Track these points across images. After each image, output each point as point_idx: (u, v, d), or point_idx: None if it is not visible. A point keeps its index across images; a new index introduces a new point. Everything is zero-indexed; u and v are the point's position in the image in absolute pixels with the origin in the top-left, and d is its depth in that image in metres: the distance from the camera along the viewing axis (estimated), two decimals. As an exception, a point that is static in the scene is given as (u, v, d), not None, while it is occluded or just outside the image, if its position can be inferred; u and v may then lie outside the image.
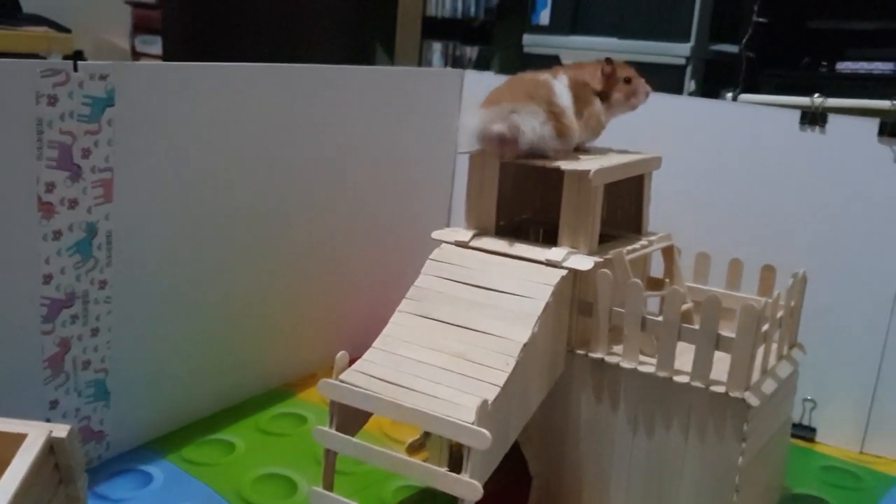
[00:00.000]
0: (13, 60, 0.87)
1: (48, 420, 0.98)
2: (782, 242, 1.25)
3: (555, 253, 0.97)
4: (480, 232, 1.04)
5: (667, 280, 1.09)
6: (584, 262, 0.95)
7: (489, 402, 0.84)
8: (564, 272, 0.95)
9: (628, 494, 0.98)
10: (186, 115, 1.06)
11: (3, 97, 0.87)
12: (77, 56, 2.09)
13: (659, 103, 1.33)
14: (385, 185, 1.40)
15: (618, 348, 0.97)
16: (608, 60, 1.08)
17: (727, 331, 1.02)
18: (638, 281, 0.94)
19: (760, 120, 1.28)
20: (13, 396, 0.93)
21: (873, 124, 1.21)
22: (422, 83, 1.42)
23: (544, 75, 1.05)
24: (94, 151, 0.95)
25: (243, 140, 1.15)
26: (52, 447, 0.80)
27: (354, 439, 0.92)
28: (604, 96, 1.07)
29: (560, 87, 1.04)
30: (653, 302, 1.11)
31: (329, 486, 0.94)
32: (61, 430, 0.80)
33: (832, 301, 1.23)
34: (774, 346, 0.98)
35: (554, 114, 1.01)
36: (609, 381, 0.97)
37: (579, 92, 1.05)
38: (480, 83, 1.46)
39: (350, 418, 0.94)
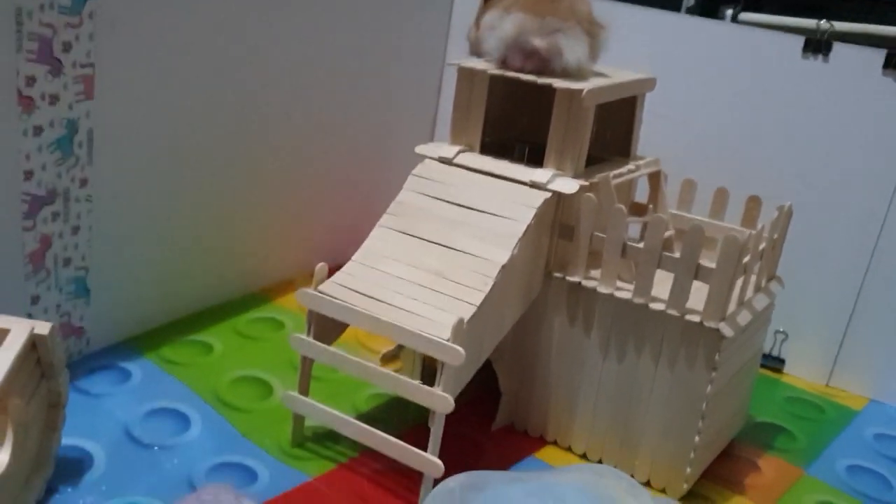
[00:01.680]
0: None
1: (30, 315, 0.98)
2: (772, 173, 1.25)
3: (540, 174, 0.96)
4: (465, 148, 1.03)
5: (651, 206, 1.09)
6: (568, 185, 0.95)
7: (465, 321, 0.85)
8: (548, 194, 0.95)
9: (594, 416, 1.01)
10: (169, 14, 1.03)
11: (-21, -16, 0.84)
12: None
13: (654, 20, 1.32)
14: (369, 95, 1.38)
15: (595, 272, 0.97)
16: None
17: (708, 260, 1.04)
18: (621, 206, 0.94)
19: (761, 45, 1.25)
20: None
21: (879, 55, 1.18)
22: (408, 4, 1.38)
23: None
24: (76, 45, 0.93)
25: (226, 44, 1.12)
26: (34, 343, 0.81)
27: (331, 348, 0.93)
28: None
29: None
30: (635, 228, 1.11)
31: (304, 391, 0.96)
32: (43, 328, 0.81)
33: (816, 235, 1.24)
34: (753, 278, 0.99)
35: (593, 34, 0.99)
36: (584, 304, 0.98)
37: None
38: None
39: (327, 328, 0.95)
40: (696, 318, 0.91)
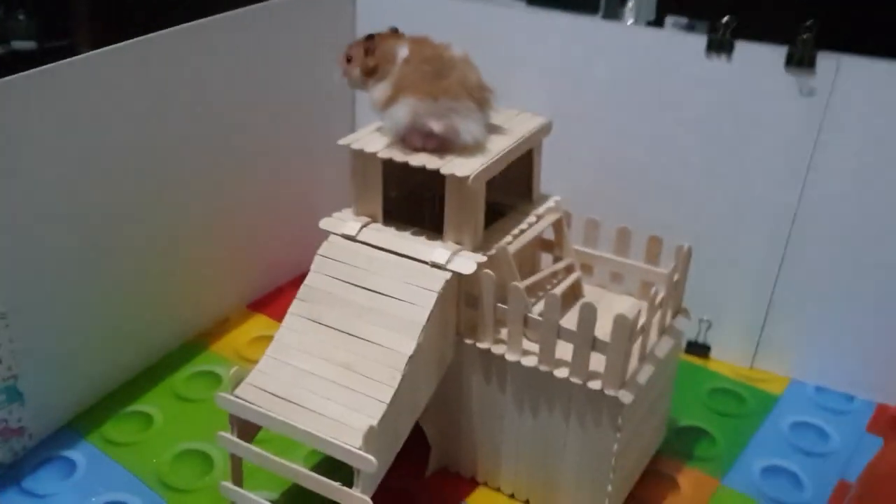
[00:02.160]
0: None
1: (-38, 435, 1.02)
2: (685, 170, 1.28)
3: (439, 254, 0.98)
4: (368, 220, 1.04)
5: (556, 251, 1.12)
6: (467, 265, 0.97)
7: (375, 426, 0.89)
8: (448, 275, 0.97)
9: (517, 461, 1.07)
10: (59, 118, 1.02)
11: None
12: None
13: (568, 24, 1.31)
14: (281, 125, 1.37)
15: (505, 333, 1.01)
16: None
17: (616, 292, 1.08)
18: (517, 285, 0.97)
19: (662, 46, 1.25)
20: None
21: (780, 54, 1.19)
22: (310, 12, 1.35)
23: (456, 51, 1.02)
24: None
25: (118, 127, 1.11)
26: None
27: (256, 448, 0.97)
28: None
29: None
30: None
31: (238, 481, 1.01)
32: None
33: (731, 226, 1.28)
34: (654, 330, 1.02)
35: (484, 102, 1.01)
36: (496, 368, 1.02)
37: None
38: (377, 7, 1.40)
39: (250, 424, 0.99)
40: (598, 386, 0.95)
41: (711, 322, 1.36)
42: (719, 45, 1.22)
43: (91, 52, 1.04)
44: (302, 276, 1.03)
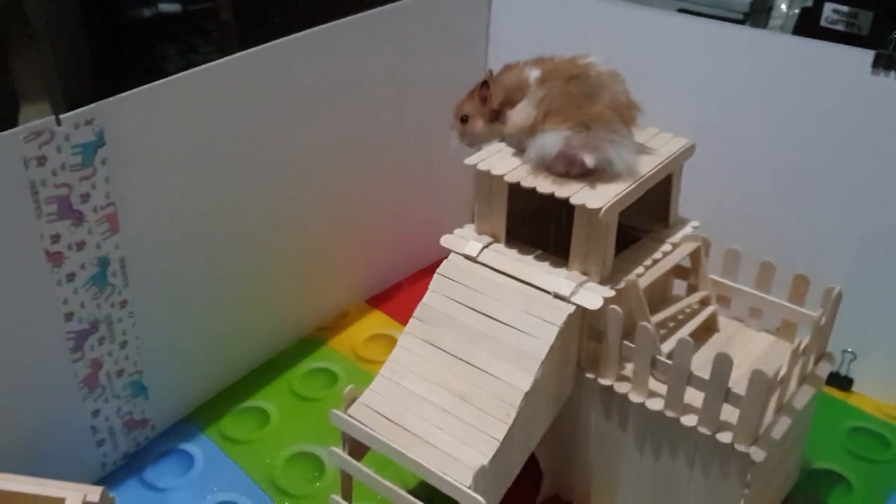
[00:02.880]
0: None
1: (93, 427, 1.06)
2: (830, 197, 1.17)
3: (564, 286, 0.93)
4: (490, 241, 1.00)
5: (691, 280, 1.05)
6: (593, 300, 0.92)
7: (486, 465, 0.86)
8: (572, 308, 0.92)
9: (635, 500, 1.02)
10: (181, 126, 1.02)
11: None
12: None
13: (706, 31, 1.21)
14: (406, 126, 1.34)
15: (629, 369, 0.96)
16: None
17: (754, 328, 1.01)
18: (646, 325, 0.91)
19: (821, 60, 1.14)
20: (57, 415, 1.01)
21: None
22: (441, 13, 1.31)
23: (600, 65, 0.95)
24: (93, 193, 0.94)
25: (241, 131, 1.11)
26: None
27: (365, 469, 0.96)
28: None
29: None
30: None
31: (347, 496, 1.01)
32: (94, 494, 0.87)
33: (882, 251, 1.16)
34: (794, 381, 0.95)
35: (630, 121, 0.95)
36: (618, 406, 0.97)
37: None
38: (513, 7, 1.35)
39: (360, 442, 0.98)
40: (728, 439, 0.89)
41: (856, 354, 1.26)
42: (888, 61, 1.10)
43: (218, 61, 1.03)
44: (420, 273, 1.00)
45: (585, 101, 0.91)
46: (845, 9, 1.74)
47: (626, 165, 0.92)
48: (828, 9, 1.77)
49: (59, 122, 0.87)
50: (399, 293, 1.45)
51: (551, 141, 0.91)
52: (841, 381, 1.28)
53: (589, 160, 0.90)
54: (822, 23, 1.74)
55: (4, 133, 0.84)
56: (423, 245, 1.40)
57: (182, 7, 2.08)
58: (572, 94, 0.91)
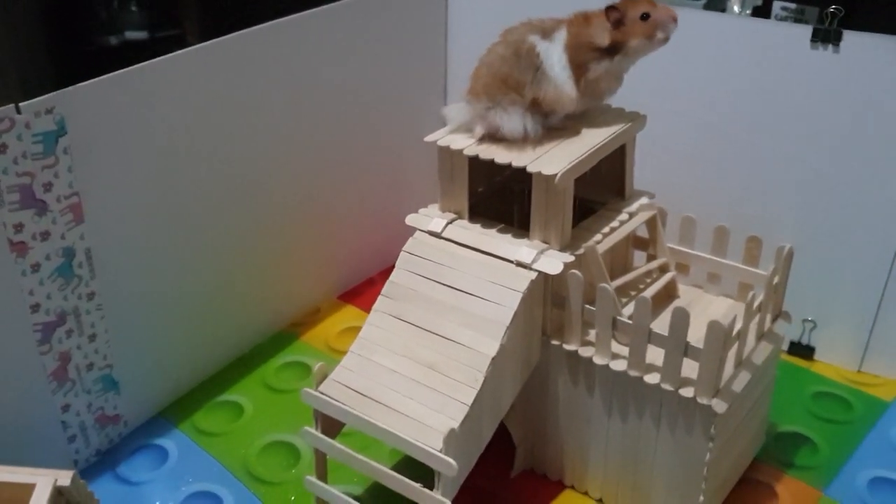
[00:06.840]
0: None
1: (63, 423, 1.06)
2: (784, 167, 1.21)
3: (525, 253, 0.95)
4: (454, 217, 1.02)
5: (650, 250, 1.08)
6: (553, 265, 0.94)
7: (455, 429, 0.88)
8: (534, 275, 0.95)
9: (606, 465, 1.03)
10: (144, 116, 1.03)
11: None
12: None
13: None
14: (373, 118, 1.36)
15: (593, 335, 0.98)
16: (610, 7, 0.96)
17: (713, 293, 1.04)
18: (606, 286, 0.93)
19: (767, 36, 1.18)
20: (27, 410, 1.01)
21: (892, 44, 1.10)
22: (399, 4, 1.33)
23: (535, 38, 0.98)
24: (56, 182, 0.95)
25: (208, 123, 1.12)
26: (59, 491, 0.88)
27: (339, 445, 0.97)
28: (618, 46, 0.96)
29: (554, 53, 0.97)
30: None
31: (322, 476, 1.02)
32: (65, 478, 0.87)
33: (837, 222, 1.20)
34: (752, 336, 0.97)
35: (535, 98, 0.97)
36: (584, 370, 0.99)
37: (578, 57, 0.97)
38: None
39: (333, 420, 0.99)
40: (690, 393, 0.91)
41: (816, 322, 1.29)
42: (825, 36, 1.15)
43: (190, 48, 1.05)
44: (392, 267, 1.02)
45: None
46: (793, 5, 1.81)
47: (513, 126, 0.97)
48: (776, 7, 1.83)
49: (18, 111, 0.89)
50: (371, 289, 1.46)
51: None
52: (803, 350, 1.31)
53: (479, 131, 1.00)
54: (772, 20, 1.80)
55: (-37, 121, 0.85)
56: (393, 241, 1.39)
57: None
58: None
